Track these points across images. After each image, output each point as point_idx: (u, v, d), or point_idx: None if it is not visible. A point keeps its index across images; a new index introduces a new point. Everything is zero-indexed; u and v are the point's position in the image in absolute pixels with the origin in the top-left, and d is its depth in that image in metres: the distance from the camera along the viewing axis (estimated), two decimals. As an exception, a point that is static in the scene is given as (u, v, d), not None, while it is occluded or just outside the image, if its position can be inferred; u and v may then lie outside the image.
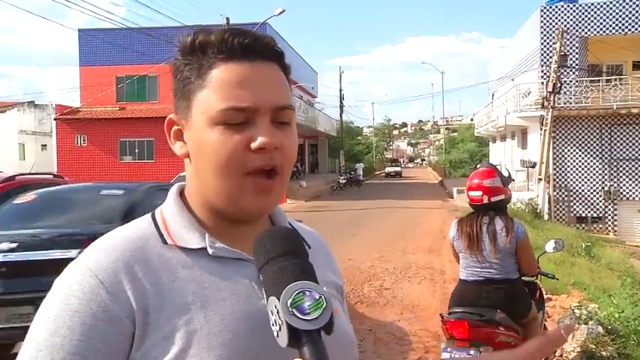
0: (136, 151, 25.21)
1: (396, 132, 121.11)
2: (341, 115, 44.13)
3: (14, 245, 4.14)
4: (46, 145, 30.19)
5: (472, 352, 3.16)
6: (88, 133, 25.62)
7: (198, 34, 0.82)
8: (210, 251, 0.81)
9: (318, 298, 0.66)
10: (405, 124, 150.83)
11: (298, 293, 0.65)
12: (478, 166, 3.84)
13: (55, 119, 26.46)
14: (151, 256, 0.78)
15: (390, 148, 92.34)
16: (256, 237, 0.75)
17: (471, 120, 63.73)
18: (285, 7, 21.21)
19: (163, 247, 0.80)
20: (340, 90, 43.93)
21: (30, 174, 8.52)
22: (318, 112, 38.05)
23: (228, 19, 20.95)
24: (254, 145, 0.78)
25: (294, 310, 0.64)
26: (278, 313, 0.65)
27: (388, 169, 53.43)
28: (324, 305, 0.66)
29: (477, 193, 3.52)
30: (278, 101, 0.81)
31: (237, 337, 0.76)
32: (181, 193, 0.89)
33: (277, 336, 0.66)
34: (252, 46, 0.81)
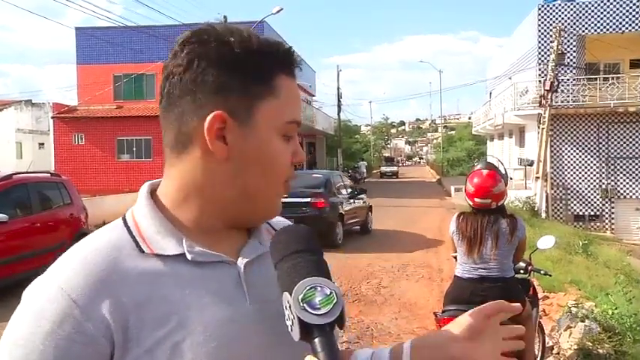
0: (134, 149, 25.15)
1: (393, 130, 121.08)
2: (339, 114, 44.13)
3: (288, 194, 9.10)
4: (43, 144, 30.13)
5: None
6: (85, 132, 25.56)
7: (265, 40, 0.81)
8: (189, 256, 0.77)
9: (329, 293, 0.68)
10: (402, 123, 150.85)
11: (310, 289, 0.67)
12: (476, 165, 3.82)
13: (52, 118, 26.40)
14: (127, 267, 0.74)
15: (388, 146, 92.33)
16: (274, 235, 0.78)
17: (469, 118, 63.77)
18: (283, 5, 21.16)
19: (139, 256, 0.76)
20: (338, 88, 43.95)
21: (27, 173, 8.51)
22: (316, 110, 38.02)
23: (225, 17, 20.90)
24: (296, 159, 0.84)
25: (305, 305, 0.66)
26: (290, 307, 0.67)
27: (383, 169, 49.90)
28: (335, 301, 0.67)
29: (486, 201, 3.48)
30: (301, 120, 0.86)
31: (222, 344, 0.74)
32: (151, 193, 0.84)
33: (290, 330, 0.68)
34: (297, 65, 0.85)
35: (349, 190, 13.21)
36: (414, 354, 0.84)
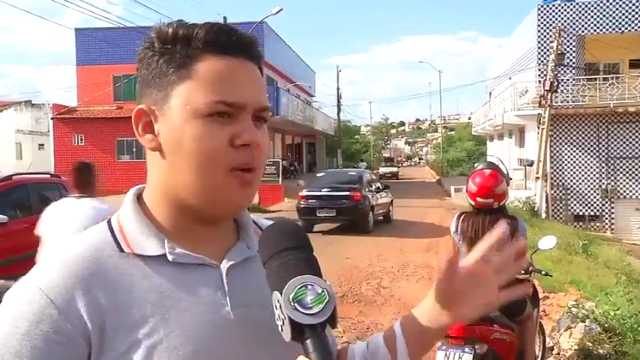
0: (134, 150, 25.15)
1: (393, 131, 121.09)
2: (338, 114, 44.15)
3: (329, 188, 13.40)
4: (43, 145, 30.11)
5: (467, 350, 3.17)
6: (85, 133, 25.56)
7: (180, 25, 0.79)
8: (169, 258, 0.76)
9: (320, 292, 0.66)
10: (402, 123, 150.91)
11: (300, 287, 0.65)
12: (477, 165, 3.81)
13: (52, 118, 26.40)
14: (108, 268, 0.73)
15: (388, 147, 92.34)
16: (262, 232, 0.76)
17: (469, 119, 63.78)
18: (282, 5, 21.15)
19: (120, 257, 0.75)
20: (338, 89, 43.97)
21: (27, 173, 8.50)
22: (316, 111, 38.04)
23: (225, 17, 20.91)
24: (238, 141, 0.76)
25: (296, 304, 0.64)
26: (281, 307, 0.65)
27: (383, 170, 46.21)
28: (327, 299, 0.66)
29: (489, 201, 3.48)
30: (262, 101, 0.81)
31: (200, 348, 0.73)
32: (139, 197, 0.84)
33: (281, 330, 0.66)
34: (240, 43, 0.79)
35: (377, 186, 15.21)
36: (407, 334, 0.86)
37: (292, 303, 0.64)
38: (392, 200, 16.07)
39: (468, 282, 0.83)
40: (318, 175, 16.21)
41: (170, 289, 0.75)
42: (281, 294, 0.65)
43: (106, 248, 0.76)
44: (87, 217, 3.28)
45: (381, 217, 15.06)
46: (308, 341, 0.64)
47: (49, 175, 8.87)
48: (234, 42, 0.78)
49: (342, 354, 0.91)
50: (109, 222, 0.81)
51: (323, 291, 0.66)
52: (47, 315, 0.68)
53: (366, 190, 13.77)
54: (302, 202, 13.58)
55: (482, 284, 0.83)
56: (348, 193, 13.21)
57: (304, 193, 13.73)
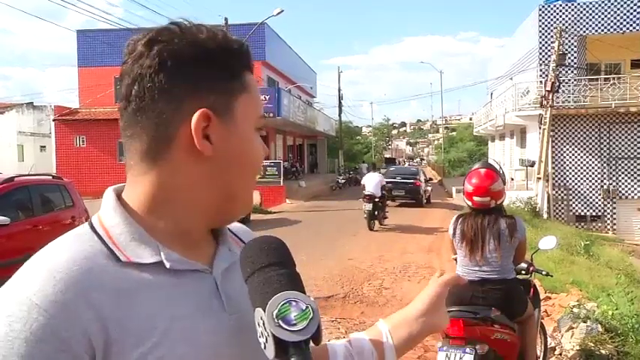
0: (135, 151, 25.17)
1: (394, 131, 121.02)
2: (340, 115, 44.11)
3: (400, 177, 21.38)
4: (45, 147, 30.12)
5: (468, 350, 3.17)
6: (87, 134, 25.60)
7: (226, 33, 0.79)
8: (167, 264, 0.73)
9: (304, 308, 0.65)
10: (403, 124, 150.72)
11: (284, 304, 0.64)
12: (475, 165, 3.81)
13: (53, 120, 26.44)
14: (104, 278, 0.68)
15: (389, 147, 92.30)
16: (243, 248, 0.74)
17: (470, 119, 63.76)
18: (283, 7, 21.17)
19: (115, 266, 0.70)
20: (339, 90, 43.91)
21: (29, 175, 8.52)
22: (317, 112, 38.02)
23: (226, 19, 20.95)
24: (265, 152, 0.83)
25: (280, 321, 0.63)
26: (264, 324, 0.64)
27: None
28: (311, 316, 0.64)
29: (485, 199, 3.48)
30: None
31: (207, 356, 0.72)
32: (119, 199, 0.79)
33: (264, 348, 0.64)
34: (252, 60, 0.84)
35: (425, 178, 24.16)
36: (393, 331, 0.93)
37: (276, 320, 0.63)
38: (432, 188, 24.91)
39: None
40: (390, 169, 24.23)
41: (171, 297, 0.72)
42: (264, 311, 0.64)
43: (98, 256, 0.70)
44: None
45: (426, 199, 22.15)
46: (292, 359, 0.63)
47: (50, 177, 8.89)
48: (251, 60, 0.83)
49: (323, 354, 0.91)
50: (91, 227, 0.75)
51: (307, 307, 0.65)
52: (48, 333, 0.63)
53: (421, 179, 21.90)
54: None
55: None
56: (412, 180, 21.31)
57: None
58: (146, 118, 0.75)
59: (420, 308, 0.95)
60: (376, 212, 14.09)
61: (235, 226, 0.92)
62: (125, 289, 0.69)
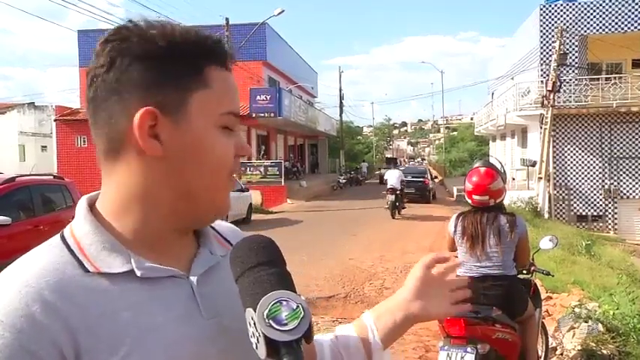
0: (136, 151, 25.18)
1: (395, 131, 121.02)
2: (341, 115, 44.14)
3: (411, 175, 22.34)
4: (46, 147, 30.14)
5: (469, 349, 3.17)
6: (88, 134, 25.26)
7: (185, 28, 0.76)
8: (138, 273, 0.72)
9: (295, 307, 0.64)
10: (404, 124, 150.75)
11: (275, 303, 0.64)
12: (475, 164, 3.81)
13: (54, 120, 26.44)
14: (73, 290, 0.67)
15: (390, 147, 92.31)
16: (232, 248, 0.73)
17: (471, 119, 63.72)
18: (284, 7, 21.17)
19: (84, 276, 0.69)
20: (340, 90, 43.95)
21: (30, 175, 8.53)
22: (318, 112, 38.01)
23: (227, 19, 20.96)
24: (242, 153, 0.79)
25: (270, 321, 0.62)
26: (255, 324, 0.63)
27: (384, 172, 44.41)
28: (302, 315, 0.64)
29: (484, 198, 3.50)
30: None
31: None
32: (91, 208, 0.77)
33: (256, 348, 0.64)
34: (230, 55, 0.79)
35: (433, 176, 28.02)
36: (377, 323, 0.92)
37: (267, 320, 0.62)
38: (436, 185, 28.13)
39: (435, 282, 0.94)
40: (401, 168, 23.64)
41: (143, 307, 0.71)
42: (255, 311, 0.63)
43: (67, 267, 0.69)
44: None
45: (432, 196, 24.15)
46: (284, 359, 0.63)
47: (52, 177, 8.90)
48: (229, 56, 0.79)
49: (311, 348, 0.90)
50: (62, 238, 0.74)
51: (298, 306, 0.64)
52: (16, 348, 0.62)
53: (429, 178, 24.33)
54: None
55: (441, 293, 0.95)
56: (421, 178, 23.42)
57: None
58: (100, 119, 0.74)
59: (404, 296, 0.94)
60: (397, 203, 16.61)
61: (223, 226, 0.91)
62: (94, 300, 0.68)
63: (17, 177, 7.74)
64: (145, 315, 0.70)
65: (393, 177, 16.86)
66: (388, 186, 16.73)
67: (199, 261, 0.80)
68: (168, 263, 0.75)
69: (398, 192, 16.53)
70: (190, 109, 0.74)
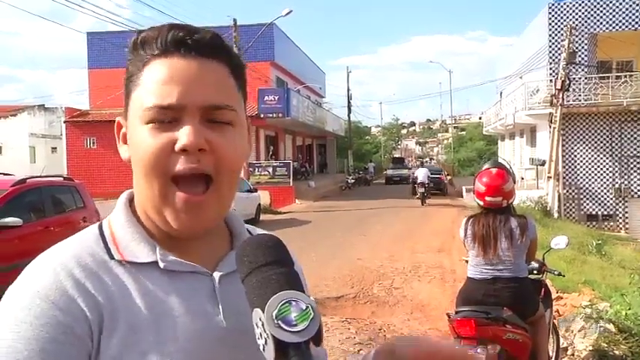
0: (145, 153, 25.29)
1: (404, 131, 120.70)
2: (349, 115, 44.13)
3: (430, 173, 23.61)
4: (56, 148, 30.36)
5: (479, 350, 3.15)
6: (97, 136, 25.73)
7: (143, 31, 0.78)
8: (161, 265, 0.76)
9: (305, 308, 0.62)
10: (413, 124, 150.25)
11: (284, 304, 0.61)
12: (485, 165, 3.81)
13: (64, 122, 26.63)
14: (101, 272, 0.73)
15: (399, 147, 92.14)
16: (238, 247, 0.71)
17: (480, 118, 63.44)
18: (291, 7, 21.20)
19: (110, 263, 0.75)
20: (348, 90, 43.92)
21: (40, 177, 8.59)
22: (326, 112, 38.01)
23: (235, 20, 20.99)
24: (176, 146, 0.72)
25: (279, 322, 0.60)
26: (263, 325, 0.61)
27: (390, 172, 39.44)
28: (312, 316, 0.61)
29: (497, 199, 3.49)
30: (210, 99, 0.74)
31: (192, 357, 0.72)
32: (131, 201, 0.82)
33: (263, 350, 0.62)
34: (186, 40, 0.75)
35: (446, 173, 32.06)
36: None
37: (275, 320, 0.60)
38: (448, 182, 30.78)
39: None
40: (419, 168, 24.98)
41: (161, 297, 0.74)
42: (263, 311, 0.61)
43: (97, 253, 0.75)
44: None
45: (445, 189, 27.92)
46: None
47: (62, 179, 8.96)
48: (179, 41, 0.75)
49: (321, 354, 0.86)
50: (100, 227, 0.80)
51: (307, 307, 0.62)
52: (52, 317, 0.67)
53: (444, 175, 29.32)
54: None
55: None
56: (438, 175, 27.35)
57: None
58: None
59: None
60: (425, 194, 21.50)
61: (259, 232, 0.90)
62: (119, 283, 0.73)
63: (28, 179, 7.80)
64: (162, 306, 0.74)
65: (421, 174, 22.14)
66: (418, 181, 22.04)
67: (227, 261, 0.81)
68: (192, 260, 0.78)
69: (426, 185, 21.60)
70: (130, 111, 0.78)
